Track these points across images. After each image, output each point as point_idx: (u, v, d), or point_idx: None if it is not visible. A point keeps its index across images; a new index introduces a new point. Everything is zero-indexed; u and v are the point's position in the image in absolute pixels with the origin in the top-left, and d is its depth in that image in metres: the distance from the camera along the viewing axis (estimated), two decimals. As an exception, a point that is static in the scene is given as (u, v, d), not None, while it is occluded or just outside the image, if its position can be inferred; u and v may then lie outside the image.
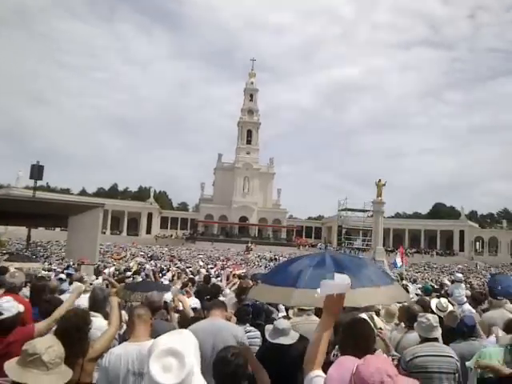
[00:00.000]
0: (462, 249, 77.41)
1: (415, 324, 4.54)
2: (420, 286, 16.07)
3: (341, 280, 2.48)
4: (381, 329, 4.98)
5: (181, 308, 5.61)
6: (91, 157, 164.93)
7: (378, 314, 5.83)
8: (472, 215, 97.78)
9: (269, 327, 4.52)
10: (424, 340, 4.40)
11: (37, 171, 46.94)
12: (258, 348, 4.78)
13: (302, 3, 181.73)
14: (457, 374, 4.15)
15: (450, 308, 6.22)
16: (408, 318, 5.02)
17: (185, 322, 5.02)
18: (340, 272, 2.88)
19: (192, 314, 5.18)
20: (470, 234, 78.47)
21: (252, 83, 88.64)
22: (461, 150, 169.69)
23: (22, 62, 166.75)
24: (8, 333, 3.59)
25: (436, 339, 4.41)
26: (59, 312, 3.97)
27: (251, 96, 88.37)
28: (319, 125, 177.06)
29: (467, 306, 6.48)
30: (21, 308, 3.78)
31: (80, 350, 2.93)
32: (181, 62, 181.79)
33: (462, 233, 78.40)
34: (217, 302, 4.59)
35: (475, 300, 8.12)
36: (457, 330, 4.84)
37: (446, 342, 4.72)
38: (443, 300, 6.35)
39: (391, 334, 5.02)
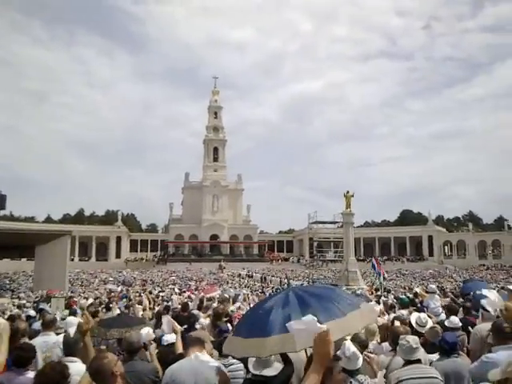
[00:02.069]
0: (431, 253, 78.77)
1: (397, 347, 4.50)
2: (394, 297, 16.21)
3: (307, 320, 2.46)
4: (370, 352, 4.93)
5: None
6: (55, 182, 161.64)
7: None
8: (439, 220, 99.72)
9: (252, 359, 4.43)
10: (407, 363, 4.37)
11: (-1, 201, 45.74)
12: (241, 381, 4.68)
13: (262, 20, 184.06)
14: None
15: (430, 322, 6.23)
16: (393, 339, 4.99)
17: (166, 360, 4.88)
18: (304, 310, 2.87)
19: (181, 350, 5.03)
20: (439, 238, 80.00)
21: (216, 101, 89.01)
22: (424, 156, 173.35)
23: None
24: None
25: (419, 361, 4.38)
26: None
27: (215, 113, 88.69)
28: (285, 139, 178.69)
29: (452, 318, 6.50)
30: None
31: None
32: (144, 82, 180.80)
33: (430, 238, 79.85)
34: (195, 339, 4.47)
35: (450, 310, 8.19)
36: (439, 348, 4.83)
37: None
38: (422, 315, 6.37)
39: (379, 358, 4.97)
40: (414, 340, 4.41)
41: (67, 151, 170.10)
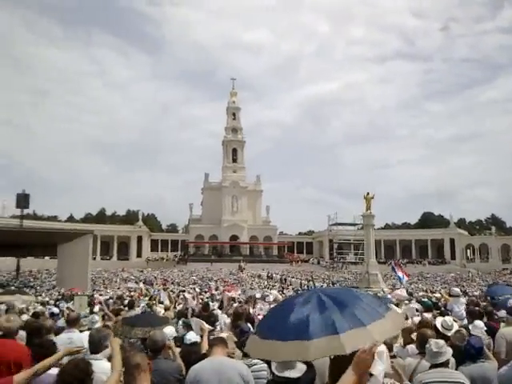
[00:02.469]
0: (453, 257, 77.75)
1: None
2: (416, 300, 16.00)
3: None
4: (394, 356, 4.88)
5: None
6: (77, 182, 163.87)
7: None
8: (461, 223, 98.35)
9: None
10: (432, 366, 4.32)
11: (23, 200, 46.58)
12: (265, 381, 4.67)
13: (278, 21, 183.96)
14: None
15: (456, 326, 6.13)
16: (421, 342, 4.92)
17: (188, 359, 4.90)
18: (344, 312, 2.82)
19: (206, 349, 5.06)
20: (461, 241, 78.92)
21: (234, 102, 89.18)
22: (444, 158, 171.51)
23: (3, 90, 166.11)
24: None
25: (444, 364, 4.32)
26: (42, 365, 3.83)
27: (234, 115, 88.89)
28: (302, 140, 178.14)
29: (476, 322, 6.40)
30: None
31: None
32: (161, 84, 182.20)
33: (452, 241, 78.81)
34: (218, 339, 4.47)
35: (471, 314, 8.06)
36: (465, 353, 4.76)
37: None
38: (448, 318, 6.28)
39: (406, 361, 4.91)
40: (438, 343, 4.35)
41: (89, 152, 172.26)
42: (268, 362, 4.82)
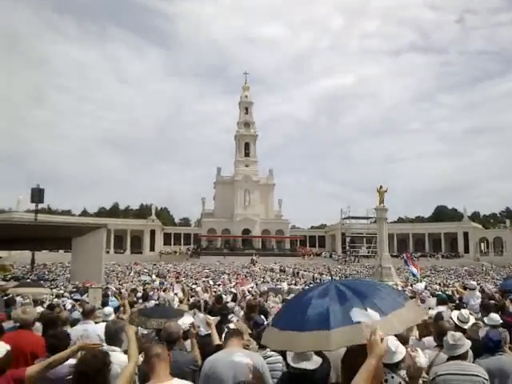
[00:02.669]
0: (466, 250, 77.20)
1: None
2: (430, 293, 15.89)
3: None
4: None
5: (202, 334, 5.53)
6: (91, 177, 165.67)
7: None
8: (475, 216, 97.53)
9: (290, 352, 4.39)
10: (450, 358, 4.28)
11: (37, 194, 47.01)
12: (280, 373, 4.65)
13: (292, 15, 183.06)
14: (487, 395, 4.01)
15: (472, 319, 6.07)
16: (438, 335, 4.88)
17: (204, 351, 4.90)
18: (364, 302, 2.79)
19: (218, 341, 5.06)
20: (474, 235, 78.31)
21: (246, 96, 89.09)
22: (458, 151, 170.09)
23: (17, 86, 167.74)
24: (1, 375, 3.45)
25: (460, 357, 4.27)
26: (56, 358, 3.84)
27: (246, 109, 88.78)
28: (316, 134, 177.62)
29: (492, 315, 6.31)
30: (8, 347, 3.62)
31: (102, 394, 2.82)
32: (174, 79, 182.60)
33: (466, 234, 78.22)
34: (234, 331, 4.46)
35: (485, 308, 7.97)
36: (483, 346, 4.71)
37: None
38: (464, 311, 6.21)
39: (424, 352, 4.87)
40: (456, 336, 4.30)
41: (102, 147, 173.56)
42: (283, 354, 4.81)
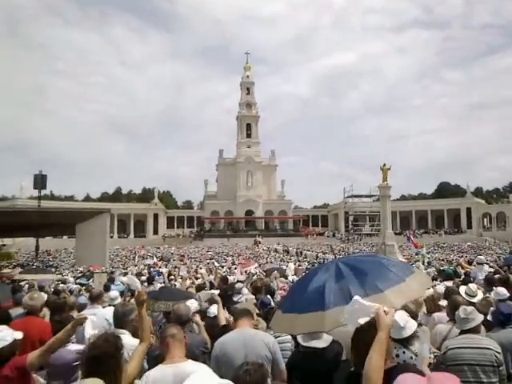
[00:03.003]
0: (469, 226, 77.23)
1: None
2: (435, 269, 15.91)
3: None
4: (420, 324, 4.82)
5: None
6: (93, 162, 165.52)
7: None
8: (478, 192, 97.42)
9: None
10: (462, 332, 4.26)
11: (40, 181, 46.97)
12: (289, 353, 4.64)
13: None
14: (500, 368, 3.98)
15: (480, 293, 6.05)
16: (451, 309, 4.85)
17: (211, 332, 4.88)
18: (362, 279, 2.76)
19: (224, 321, 5.04)
20: (477, 210, 78.29)
21: (248, 77, 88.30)
22: (461, 127, 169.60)
23: (19, 72, 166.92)
24: (5, 363, 3.45)
25: (471, 330, 4.24)
26: (54, 340, 3.81)
27: (248, 89, 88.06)
28: (319, 113, 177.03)
29: (499, 289, 6.29)
30: (17, 335, 3.60)
31: (114, 378, 2.78)
32: (176, 61, 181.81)
33: (468, 210, 78.17)
34: (243, 311, 4.43)
35: (489, 282, 7.96)
36: (493, 319, 4.68)
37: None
38: (472, 285, 6.20)
39: (437, 328, 4.84)
40: (467, 310, 4.27)
41: (104, 131, 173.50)
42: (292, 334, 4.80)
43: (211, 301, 6.02)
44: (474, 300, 5.72)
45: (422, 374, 2.42)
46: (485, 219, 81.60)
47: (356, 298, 2.52)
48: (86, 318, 4.25)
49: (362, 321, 2.44)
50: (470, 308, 4.39)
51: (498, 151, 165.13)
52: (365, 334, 2.58)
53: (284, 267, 18.69)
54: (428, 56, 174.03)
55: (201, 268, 21.87)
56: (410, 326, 3.63)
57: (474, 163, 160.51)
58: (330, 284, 2.91)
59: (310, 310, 2.81)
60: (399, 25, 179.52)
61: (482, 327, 4.48)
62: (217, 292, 7.89)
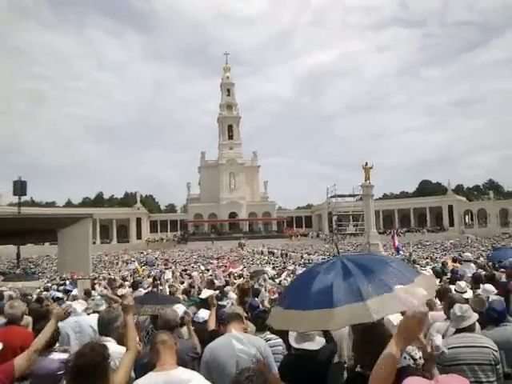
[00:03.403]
0: (451, 224, 78.02)
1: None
2: (420, 267, 15.96)
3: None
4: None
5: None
6: (73, 167, 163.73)
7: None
8: (459, 189, 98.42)
9: (293, 332, 4.28)
10: (457, 331, 4.19)
11: (20, 187, 46.32)
12: (281, 356, 4.54)
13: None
14: (497, 366, 3.92)
15: (470, 290, 6.03)
16: (449, 307, 4.79)
17: (201, 337, 4.75)
18: (370, 277, 2.67)
19: (213, 326, 4.92)
20: (459, 208, 79.14)
21: (228, 78, 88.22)
22: (442, 125, 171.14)
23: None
24: None
25: (466, 329, 4.18)
26: (38, 341, 3.71)
27: (228, 91, 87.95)
28: (300, 113, 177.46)
29: (487, 286, 6.28)
30: None
31: (100, 388, 2.66)
32: (155, 62, 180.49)
33: (450, 208, 78.99)
34: (233, 315, 4.32)
35: (476, 280, 7.96)
36: (486, 317, 4.62)
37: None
38: (461, 282, 6.18)
39: (434, 326, 4.76)
40: (463, 308, 4.21)
41: (84, 135, 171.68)
42: (283, 337, 4.69)
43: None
44: (465, 296, 5.69)
45: (427, 377, 2.33)
46: (466, 216, 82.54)
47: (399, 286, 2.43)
48: (65, 312, 4.13)
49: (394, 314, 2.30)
50: (466, 306, 4.33)
51: (477, 148, 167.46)
52: (373, 332, 2.56)
53: (265, 269, 18.66)
54: (407, 53, 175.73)
55: (188, 271, 21.67)
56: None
57: (455, 161, 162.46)
58: (338, 281, 2.78)
59: (317, 307, 2.69)
60: (378, 23, 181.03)
61: (478, 325, 4.42)
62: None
